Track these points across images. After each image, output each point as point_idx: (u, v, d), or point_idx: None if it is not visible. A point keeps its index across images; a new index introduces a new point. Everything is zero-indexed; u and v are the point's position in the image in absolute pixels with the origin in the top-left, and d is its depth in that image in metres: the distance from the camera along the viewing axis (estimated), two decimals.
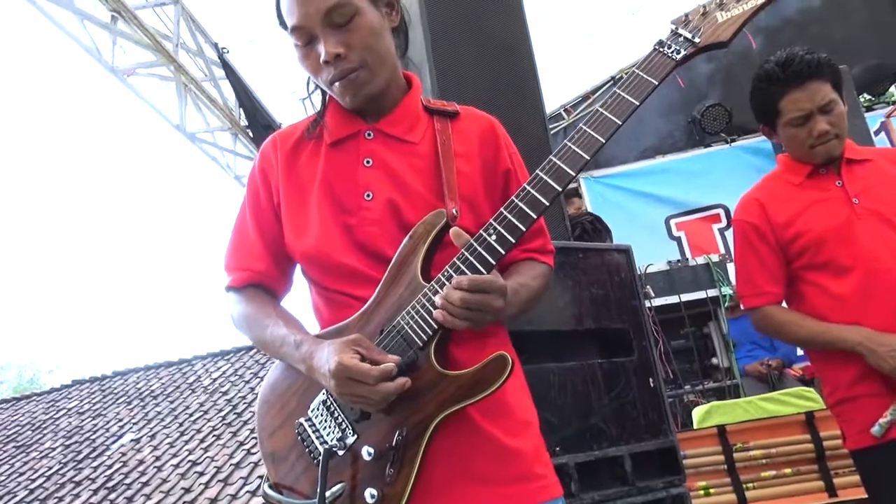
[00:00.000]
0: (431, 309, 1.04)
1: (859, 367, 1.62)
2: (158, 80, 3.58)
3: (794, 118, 1.74)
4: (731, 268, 3.90)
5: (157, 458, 8.26)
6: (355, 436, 1.08)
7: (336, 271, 1.18)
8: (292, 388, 1.17)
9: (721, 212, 5.98)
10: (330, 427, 1.10)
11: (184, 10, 3.45)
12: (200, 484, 7.34)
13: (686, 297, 3.63)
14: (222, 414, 9.11)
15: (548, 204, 1.04)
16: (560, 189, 1.04)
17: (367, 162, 1.18)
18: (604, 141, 1.05)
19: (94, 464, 8.60)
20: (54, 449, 9.48)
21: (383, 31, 1.18)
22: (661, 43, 1.09)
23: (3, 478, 8.93)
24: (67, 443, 9.57)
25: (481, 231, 1.05)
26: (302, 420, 1.13)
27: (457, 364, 1.07)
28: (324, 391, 1.12)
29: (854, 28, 6.07)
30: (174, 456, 8.20)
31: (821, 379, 1.84)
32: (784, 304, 1.83)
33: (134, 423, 9.64)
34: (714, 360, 3.82)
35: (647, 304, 3.51)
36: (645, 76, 1.06)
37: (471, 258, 1.04)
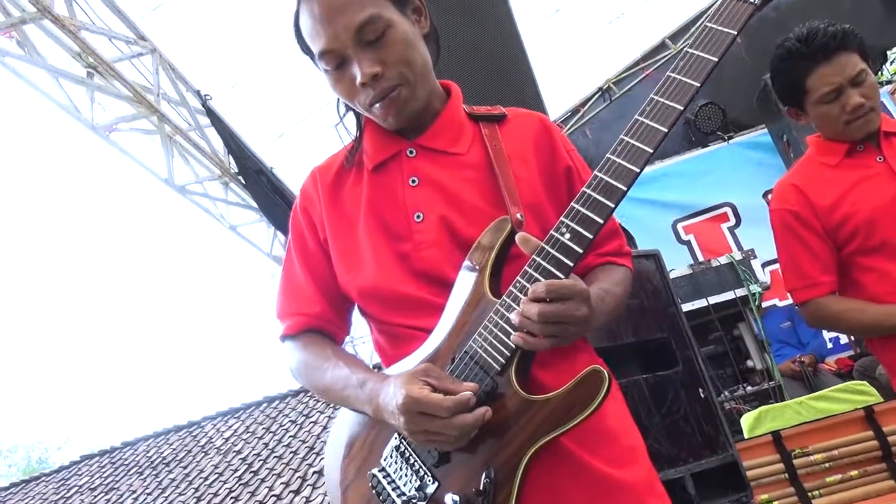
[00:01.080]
0: (506, 326, 0.91)
1: None
2: (142, 134, 3.45)
3: (824, 94, 1.62)
4: (755, 265, 3.76)
5: None
6: (436, 483, 0.95)
7: (396, 303, 1.07)
8: (361, 436, 1.06)
9: (728, 210, 5.85)
10: (406, 476, 0.98)
11: (162, 59, 3.33)
12: None
13: (714, 299, 3.46)
14: (238, 474, 8.86)
15: (626, 189, 0.90)
16: (638, 170, 0.90)
17: (413, 181, 1.10)
18: (682, 108, 0.91)
19: None
20: None
21: (417, 41, 1.08)
22: None
23: None
24: None
25: (552, 231, 0.93)
26: (375, 471, 1.01)
27: (543, 388, 0.94)
28: (396, 435, 0.99)
29: (838, 14, 6.04)
30: None
31: (887, 368, 1.70)
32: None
33: (148, 494, 9.37)
34: (749, 363, 3.64)
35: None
36: (720, 28, 0.92)
37: (544, 263, 0.91)
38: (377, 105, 1.06)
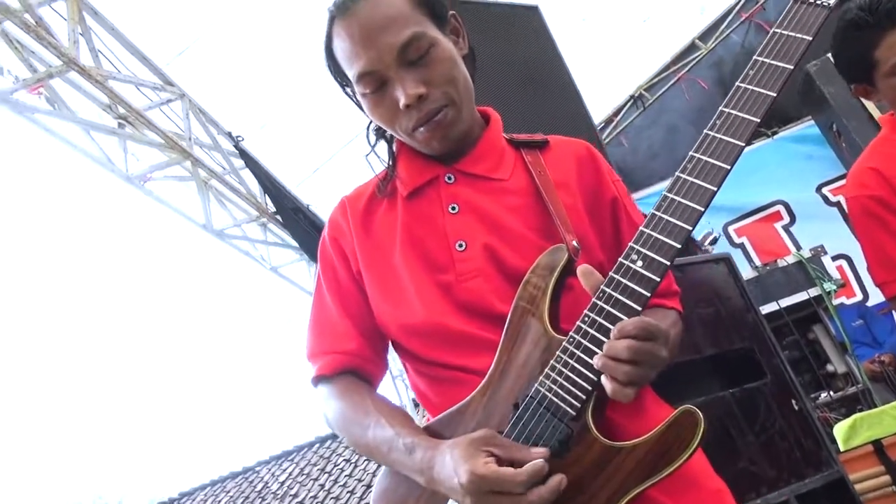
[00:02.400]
0: (578, 366, 0.83)
1: None
2: (177, 181, 3.43)
3: None
4: (826, 261, 3.52)
5: None
6: None
7: (442, 340, 0.97)
8: (412, 496, 0.94)
9: (781, 208, 5.60)
10: None
11: (192, 104, 3.31)
12: None
13: (784, 302, 3.23)
14: None
15: (703, 210, 0.84)
16: (715, 189, 0.85)
17: (453, 209, 1.03)
18: (758, 120, 0.85)
19: None
20: None
21: (459, 60, 1.02)
22: None
23: None
24: None
25: (621, 259, 0.85)
26: None
27: (618, 432, 0.84)
28: None
29: None
30: None
31: None
32: None
33: None
34: (829, 367, 3.39)
35: None
36: (792, 34, 0.85)
37: (616, 294, 0.82)
38: (421, 129, 1.00)
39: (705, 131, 0.88)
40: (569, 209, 1.01)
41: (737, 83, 0.87)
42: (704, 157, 0.85)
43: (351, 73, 1.00)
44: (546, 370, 0.86)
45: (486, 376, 0.92)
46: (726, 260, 2.22)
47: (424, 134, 1.01)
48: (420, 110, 0.98)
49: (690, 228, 0.83)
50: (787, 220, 5.59)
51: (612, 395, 0.80)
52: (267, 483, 10.60)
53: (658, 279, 0.83)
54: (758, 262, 5.44)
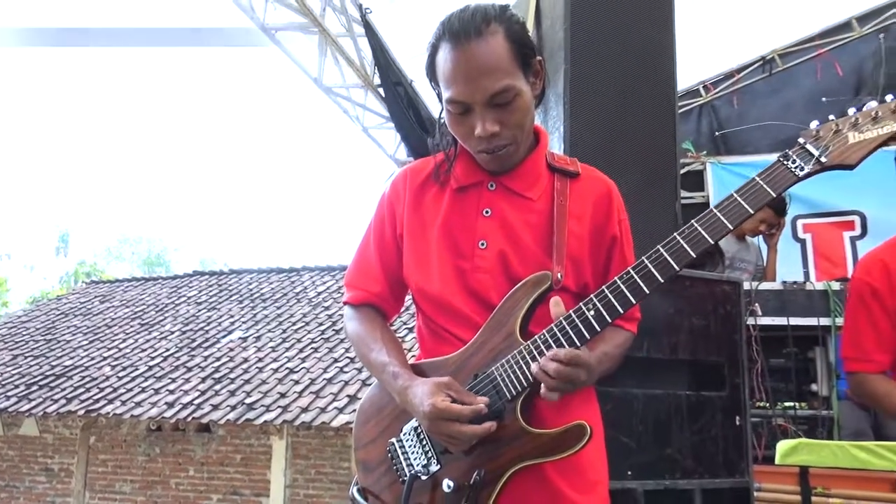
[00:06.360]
0: (524, 367, 1.13)
1: None
2: (302, 34, 3.71)
3: None
4: None
5: (260, 360, 8.90)
6: (439, 466, 1.20)
7: (445, 310, 1.29)
8: (389, 406, 1.30)
9: (856, 219, 5.51)
10: (417, 453, 1.22)
11: None
12: (295, 392, 7.91)
13: (795, 321, 3.49)
14: (322, 328, 9.61)
15: (648, 293, 1.11)
16: (662, 281, 1.11)
17: (486, 212, 1.27)
18: (712, 242, 1.10)
19: (205, 353, 9.36)
20: (172, 332, 10.37)
21: (532, 105, 1.24)
22: (786, 156, 1.10)
23: (127, 350, 9.92)
24: (184, 329, 10.43)
25: (581, 304, 1.13)
26: (394, 440, 1.26)
27: (540, 419, 1.18)
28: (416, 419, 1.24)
29: None
30: (274, 360, 8.81)
31: None
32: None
33: (243, 322, 10.35)
34: (813, 387, 3.68)
35: (752, 321, 3.42)
36: (764, 185, 1.09)
37: (568, 328, 1.13)
38: (484, 154, 1.23)
39: (674, 234, 1.11)
40: (572, 237, 1.23)
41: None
42: (665, 254, 1.10)
43: (444, 92, 1.19)
44: (503, 360, 1.16)
45: (465, 346, 1.22)
46: (737, 285, 2.48)
47: (486, 158, 1.24)
48: (489, 143, 1.20)
49: (634, 302, 1.10)
50: (858, 231, 5.52)
51: (542, 396, 1.09)
52: (306, 288, 11.51)
53: (599, 330, 1.11)
54: (812, 267, 5.49)
